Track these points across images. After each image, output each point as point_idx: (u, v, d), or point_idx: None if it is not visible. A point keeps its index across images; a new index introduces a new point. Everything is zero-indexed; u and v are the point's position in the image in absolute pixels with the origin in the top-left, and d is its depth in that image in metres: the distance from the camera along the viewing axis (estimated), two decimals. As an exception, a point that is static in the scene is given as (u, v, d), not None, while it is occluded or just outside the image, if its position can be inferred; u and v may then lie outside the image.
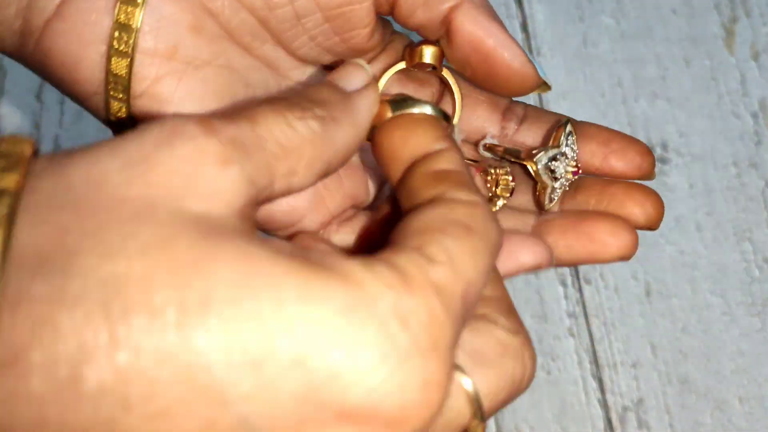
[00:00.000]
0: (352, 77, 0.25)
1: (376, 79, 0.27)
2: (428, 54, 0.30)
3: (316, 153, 0.23)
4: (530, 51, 0.51)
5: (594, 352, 0.44)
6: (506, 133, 0.32)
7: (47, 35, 0.26)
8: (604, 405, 0.43)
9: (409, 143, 0.25)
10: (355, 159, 0.31)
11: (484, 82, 0.30)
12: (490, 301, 0.25)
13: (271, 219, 0.29)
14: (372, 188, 0.31)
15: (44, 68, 0.27)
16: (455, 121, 0.31)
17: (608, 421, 0.43)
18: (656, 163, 0.48)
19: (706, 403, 0.43)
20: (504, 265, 0.28)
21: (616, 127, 0.49)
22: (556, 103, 0.50)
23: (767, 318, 0.45)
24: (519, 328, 0.25)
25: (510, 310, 0.25)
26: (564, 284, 0.46)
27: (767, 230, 0.47)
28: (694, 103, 0.50)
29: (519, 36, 0.52)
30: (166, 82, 0.26)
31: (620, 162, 0.31)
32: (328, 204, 0.29)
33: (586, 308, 0.45)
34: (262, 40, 0.28)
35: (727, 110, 0.50)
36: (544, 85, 0.30)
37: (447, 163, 0.24)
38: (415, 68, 0.30)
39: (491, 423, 0.43)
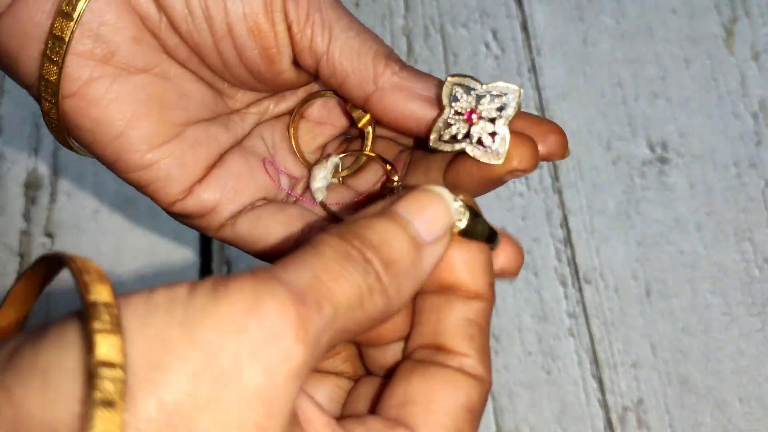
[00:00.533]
0: (432, 221, 0.23)
1: (452, 220, 0.24)
2: (362, 121, 0.31)
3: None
4: (530, 51, 0.51)
5: (594, 352, 0.44)
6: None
7: None
8: (604, 405, 0.43)
9: (468, 275, 0.24)
10: (268, 152, 0.32)
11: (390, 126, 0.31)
12: None
13: (186, 212, 0.30)
14: (286, 184, 0.32)
15: None
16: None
17: (608, 421, 0.43)
18: (656, 163, 0.48)
19: (706, 403, 0.43)
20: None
21: (616, 127, 0.49)
22: (556, 103, 0.50)
23: (767, 318, 0.45)
24: None
25: None
26: (564, 284, 0.46)
27: (767, 230, 0.47)
28: (694, 103, 0.50)
29: (519, 36, 0.52)
30: (98, 84, 0.27)
31: (539, 141, 0.30)
32: (240, 195, 0.30)
33: (586, 308, 0.45)
34: (197, 63, 0.29)
35: (727, 110, 0.50)
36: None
37: (483, 317, 0.25)
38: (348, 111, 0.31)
39: (491, 423, 0.43)
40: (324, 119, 0.33)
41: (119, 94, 0.27)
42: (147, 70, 0.28)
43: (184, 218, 0.31)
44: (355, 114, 0.30)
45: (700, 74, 0.51)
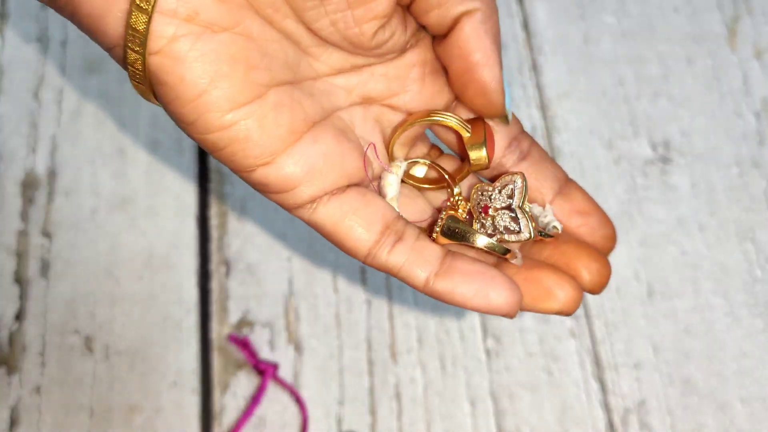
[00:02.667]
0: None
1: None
2: (477, 163, 0.32)
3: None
4: (531, 50, 0.51)
5: (596, 354, 0.44)
6: (503, 163, 0.33)
7: None
8: (606, 406, 0.43)
9: None
10: (359, 139, 0.32)
11: (454, 85, 0.32)
12: None
13: (265, 182, 0.30)
14: (370, 177, 0.32)
15: (73, 17, 0.28)
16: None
17: (610, 423, 0.43)
18: (658, 162, 0.48)
19: (708, 404, 0.43)
20: (471, 299, 0.30)
21: (617, 127, 0.49)
22: (557, 102, 0.50)
23: (770, 319, 0.45)
24: None
25: None
26: (565, 285, 0.45)
27: (770, 230, 0.47)
28: (697, 102, 0.50)
29: (520, 34, 0.51)
30: (182, 42, 0.27)
31: (588, 237, 0.33)
32: (324, 179, 0.30)
33: (588, 309, 0.45)
34: (284, 14, 0.29)
35: (730, 109, 0.49)
36: (503, 118, 0.32)
37: None
38: (465, 144, 0.32)
39: (492, 425, 0.42)
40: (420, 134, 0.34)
41: (203, 53, 0.27)
42: (230, 28, 0.28)
43: (262, 189, 0.30)
44: (474, 154, 0.31)
45: (702, 73, 0.50)
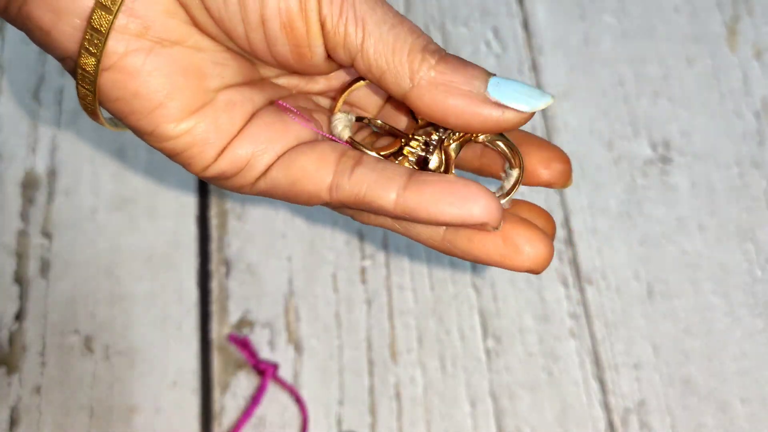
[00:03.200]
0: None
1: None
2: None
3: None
4: (531, 49, 0.51)
5: (595, 353, 0.44)
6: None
7: (30, 3, 0.28)
8: (606, 406, 0.43)
9: None
10: (307, 105, 0.32)
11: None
12: None
13: (219, 171, 0.30)
14: (315, 128, 0.31)
15: (24, 30, 0.29)
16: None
17: (610, 423, 0.43)
18: (658, 162, 0.48)
19: (708, 404, 0.43)
20: (448, 211, 0.28)
21: (617, 127, 0.49)
22: (557, 102, 0.50)
23: (770, 319, 0.45)
24: None
25: None
26: (565, 285, 0.45)
27: (770, 230, 0.47)
28: (697, 102, 0.50)
29: (520, 34, 0.51)
30: (134, 56, 0.28)
31: (542, 166, 0.31)
32: (274, 145, 0.30)
33: (588, 309, 0.45)
34: (225, 39, 0.29)
35: (730, 109, 0.49)
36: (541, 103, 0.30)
37: None
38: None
39: (492, 425, 0.42)
40: (362, 105, 0.33)
41: (156, 66, 0.28)
42: (180, 43, 0.28)
43: (218, 181, 0.31)
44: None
45: (702, 73, 0.50)
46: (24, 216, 0.46)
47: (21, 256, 0.45)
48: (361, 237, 0.46)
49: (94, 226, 0.46)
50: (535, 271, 0.29)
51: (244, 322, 0.44)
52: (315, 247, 0.46)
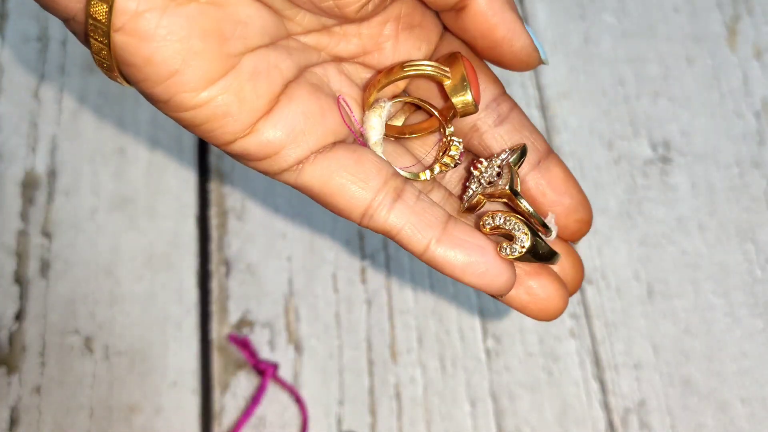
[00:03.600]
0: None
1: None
2: (463, 110, 0.29)
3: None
4: (531, 50, 0.51)
5: (595, 353, 0.44)
6: (478, 126, 0.31)
7: None
8: (606, 407, 0.43)
9: None
10: (335, 95, 0.30)
11: (487, 57, 0.30)
12: None
13: (246, 152, 0.28)
14: (358, 125, 0.30)
15: None
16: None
17: (610, 423, 0.43)
18: (658, 162, 0.48)
19: (708, 404, 0.43)
20: (468, 273, 0.29)
21: (617, 127, 0.49)
22: (557, 102, 0.50)
23: (770, 319, 0.45)
24: None
25: None
26: (565, 285, 0.45)
27: (770, 230, 0.47)
28: (697, 102, 0.50)
29: (520, 34, 0.51)
30: (146, 17, 0.25)
31: (561, 218, 0.31)
32: (308, 138, 0.28)
33: (588, 309, 0.45)
34: None
35: (730, 109, 0.49)
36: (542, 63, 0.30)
37: None
38: (447, 92, 0.29)
39: (492, 425, 0.42)
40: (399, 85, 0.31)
41: (171, 30, 0.25)
42: None
43: (243, 159, 0.29)
44: (458, 100, 0.28)
45: (702, 73, 0.50)
46: (24, 216, 0.46)
47: (21, 256, 0.45)
48: (361, 237, 0.46)
49: (94, 226, 0.46)
50: (549, 320, 0.30)
51: (244, 322, 0.44)
52: (315, 247, 0.46)
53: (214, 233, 0.46)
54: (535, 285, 0.30)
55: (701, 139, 0.49)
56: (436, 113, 0.30)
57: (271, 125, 0.28)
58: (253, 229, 0.46)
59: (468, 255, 0.28)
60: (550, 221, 0.30)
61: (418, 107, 0.32)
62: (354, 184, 0.28)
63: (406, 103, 0.31)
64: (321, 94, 0.29)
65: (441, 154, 0.30)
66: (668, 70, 0.50)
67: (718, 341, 0.44)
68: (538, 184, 0.31)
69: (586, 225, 0.31)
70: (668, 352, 0.44)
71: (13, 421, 0.42)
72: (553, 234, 0.30)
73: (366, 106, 0.30)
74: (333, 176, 0.28)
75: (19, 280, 0.45)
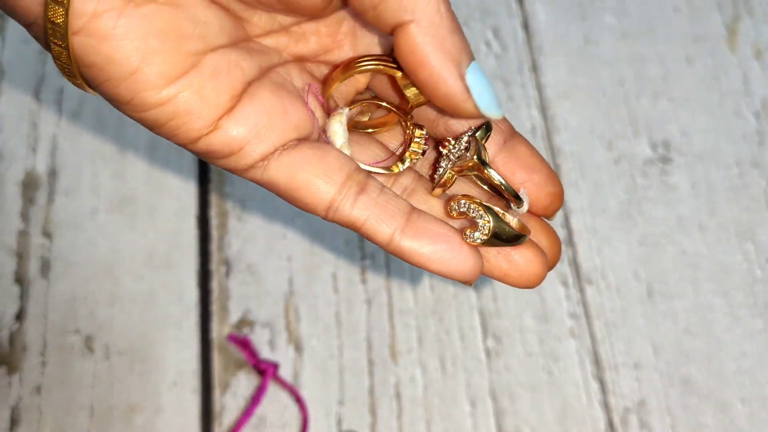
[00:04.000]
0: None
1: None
2: (415, 101, 0.30)
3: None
4: (531, 49, 0.51)
5: (595, 353, 0.44)
6: (445, 119, 0.31)
7: None
8: (606, 406, 0.43)
9: None
10: (299, 91, 0.30)
11: (421, 90, 0.30)
12: None
13: (210, 149, 0.28)
14: (318, 123, 0.30)
15: None
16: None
17: (610, 423, 0.43)
18: (658, 162, 0.48)
19: (708, 404, 0.43)
20: (434, 261, 0.29)
21: (617, 127, 0.49)
22: (557, 102, 0.50)
23: (770, 319, 0.45)
24: None
25: None
26: (565, 285, 0.45)
27: (770, 230, 0.47)
28: (697, 102, 0.50)
29: (520, 34, 0.51)
30: (104, 18, 0.26)
31: (532, 194, 0.31)
32: (271, 134, 0.29)
33: (588, 309, 0.45)
34: None
35: (730, 109, 0.49)
36: (486, 117, 0.29)
37: None
38: (400, 85, 0.30)
39: (492, 424, 0.42)
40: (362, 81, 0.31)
41: (129, 28, 0.26)
42: (155, 0, 0.26)
43: (209, 156, 0.29)
44: (409, 92, 0.29)
45: (702, 73, 0.50)
46: (24, 216, 0.46)
47: (21, 256, 0.45)
48: (361, 237, 0.46)
49: (94, 226, 0.46)
50: (529, 287, 0.30)
51: (244, 322, 0.44)
52: (315, 247, 0.46)
53: (214, 233, 0.46)
54: (513, 253, 0.30)
55: (701, 139, 0.49)
56: (393, 109, 0.31)
57: (234, 122, 0.28)
58: (253, 229, 0.46)
59: (432, 244, 0.29)
60: (522, 194, 0.31)
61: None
62: (318, 178, 0.29)
63: (365, 103, 0.32)
64: (283, 91, 0.29)
65: (408, 144, 0.31)
66: (668, 70, 0.50)
67: (718, 341, 0.44)
68: (507, 163, 0.31)
69: (557, 198, 0.31)
70: (668, 352, 0.44)
71: (14, 421, 0.42)
72: (525, 205, 0.30)
73: (326, 99, 0.31)
74: (298, 172, 0.29)
75: (20, 280, 0.45)
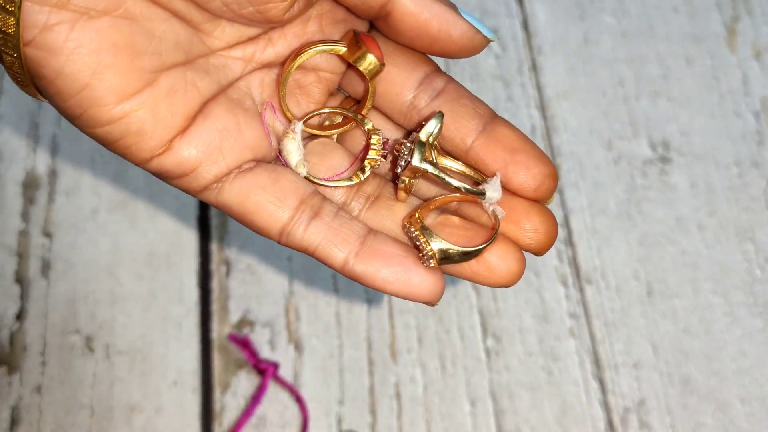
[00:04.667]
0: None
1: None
2: (369, 70, 0.29)
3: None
4: (531, 49, 0.51)
5: (595, 353, 0.44)
6: (415, 104, 0.30)
7: None
8: (606, 406, 0.43)
9: None
10: (257, 106, 0.30)
11: (431, 53, 0.30)
12: None
13: (162, 170, 0.28)
14: (275, 143, 0.30)
15: None
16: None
17: (609, 423, 0.43)
18: (658, 162, 0.48)
19: (707, 404, 0.43)
20: (392, 284, 0.28)
21: (617, 127, 0.49)
22: (557, 102, 0.50)
23: (769, 318, 0.45)
24: None
25: None
26: (565, 284, 0.45)
27: (769, 230, 0.47)
28: (696, 102, 0.50)
29: (520, 35, 0.51)
30: (56, 31, 0.25)
31: (517, 176, 0.29)
32: (225, 155, 0.28)
33: (588, 309, 0.45)
34: None
35: (729, 109, 0.50)
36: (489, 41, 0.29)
37: None
38: (352, 64, 0.29)
39: (492, 424, 0.43)
40: (325, 69, 0.31)
41: (81, 42, 0.25)
42: (109, 12, 0.26)
43: (161, 177, 0.29)
44: (363, 64, 0.28)
45: (701, 73, 0.50)
46: (25, 216, 0.46)
47: (22, 256, 0.46)
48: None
49: (94, 226, 0.46)
50: (506, 286, 0.29)
51: (244, 322, 0.44)
52: (315, 246, 0.46)
53: (214, 233, 0.46)
54: (484, 252, 0.29)
55: (701, 139, 0.49)
56: (350, 114, 0.30)
57: (187, 143, 0.28)
58: (253, 229, 0.47)
59: (387, 267, 0.28)
60: (494, 183, 0.29)
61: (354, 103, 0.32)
62: (271, 203, 0.29)
63: (322, 114, 0.31)
64: (239, 110, 0.29)
65: (366, 151, 0.30)
66: (668, 70, 0.51)
67: (717, 341, 0.44)
68: (486, 146, 0.29)
69: (548, 178, 0.29)
70: (668, 351, 0.44)
71: (14, 421, 0.42)
72: (495, 193, 0.28)
73: (281, 99, 0.30)
74: (250, 195, 0.28)
75: (20, 279, 0.45)
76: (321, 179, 0.30)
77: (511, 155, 0.29)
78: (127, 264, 0.45)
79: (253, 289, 0.45)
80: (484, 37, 0.28)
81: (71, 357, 0.44)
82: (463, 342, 0.44)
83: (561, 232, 0.46)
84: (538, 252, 0.29)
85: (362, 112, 0.30)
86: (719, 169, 0.48)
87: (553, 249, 0.46)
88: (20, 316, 0.44)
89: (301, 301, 0.45)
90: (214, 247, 0.46)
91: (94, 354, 0.44)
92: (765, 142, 0.49)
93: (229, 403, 0.43)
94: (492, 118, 0.30)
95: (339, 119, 0.32)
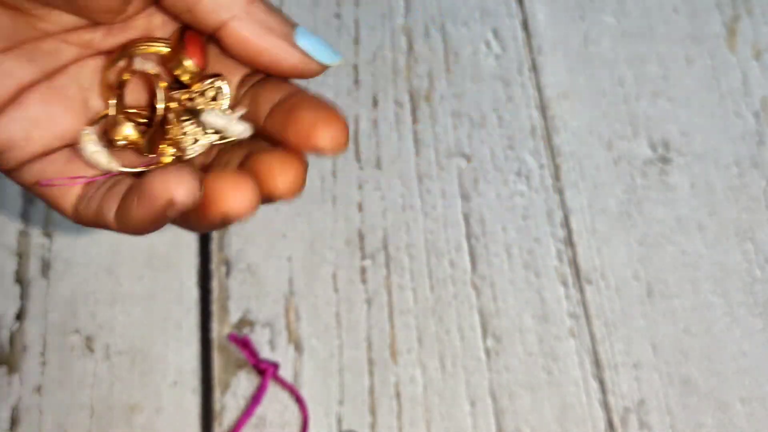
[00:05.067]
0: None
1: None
2: (185, 74, 0.29)
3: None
4: (531, 50, 0.51)
5: (595, 353, 0.44)
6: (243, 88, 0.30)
7: None
8: (606, 406, 0.43)
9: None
10: (84, 93, 0.29)
11: (265, 73, 0.29)
12: None
13: None
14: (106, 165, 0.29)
15: None
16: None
17: (609, 423, 0.43)
18: (658, 162, 0.48)
19: (707, 404, 0.43)
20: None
21: (617, 127, 0.49)
22: (557, 102, 0.50)
23: (769, 319, 0.45)
24: None
25: None
26: (565, 284, 0.45)
27: (769, 230, 0.47)
28: (696, 102, 0.50)
29: (520, 35, 0.51)
30: None
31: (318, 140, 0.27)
32: (32, 144, 0.28)
33: (588, 309, 0.45)
34: None
35: (729, 109, 0.50)
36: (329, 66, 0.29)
37: None
38: (171, 66, 0.29)
39: (492, 424, 0.43)
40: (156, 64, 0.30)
41: None
42: None
43: None
44: (177, 70, 0.28)
45: (701, 73, 0.50)
46: (25, 216, 0.46)
47: (22, 256, 0.46)
48: (361, 237, 0.46)
49: (94, 226, 0.46)
50: (288, 198, 0.27)
51: (244, 322, 0.44)
52: (315, 247, 0.46)
53: (214, 233, 0.46)
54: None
55: (701, 139, 0.49)
56: (144, 121, 0.30)
57: None
58: (253, 229, 0.47)
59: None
60: (236, 115, 0.29)
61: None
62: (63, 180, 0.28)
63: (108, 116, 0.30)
64: (59, 99, 0.29)
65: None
66: (668, 70, 0.51)
67: (717, 341, 0.44)
68: (277, 113, 0.28)
69: (338, 126, 0.27)
70: (668, 351, 0.44)
71: (14, 421, 0.42)
72: (240, 130, 0.28)
73: (103, 94, 0.29)
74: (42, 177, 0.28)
75: (20, 279, 0.45)
76: (137, 167, 0.29)
77: (314, 127, 0.27)
78: (127, 264, 0.45)
79: (253, 289, 0.45)
80: (319, 64, 0.28)
81: (71, 357, 0.44)
82: (463, 342, 0.44)
83: (561, 232, 0.46)
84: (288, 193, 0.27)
85: (173, 108, 0.30)
86: (719, 169, 0.48)
87: (552, 249, 0.46)
88: (20, 316, 0.44)
89: (301, 301, 0.45)
90: (214, 247, 0.46)
91: (94, 354, 0.44)
92: (765, 142, 0.49)
93: (229, 403, 0.43)
94: (299, 92, 0.29)
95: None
